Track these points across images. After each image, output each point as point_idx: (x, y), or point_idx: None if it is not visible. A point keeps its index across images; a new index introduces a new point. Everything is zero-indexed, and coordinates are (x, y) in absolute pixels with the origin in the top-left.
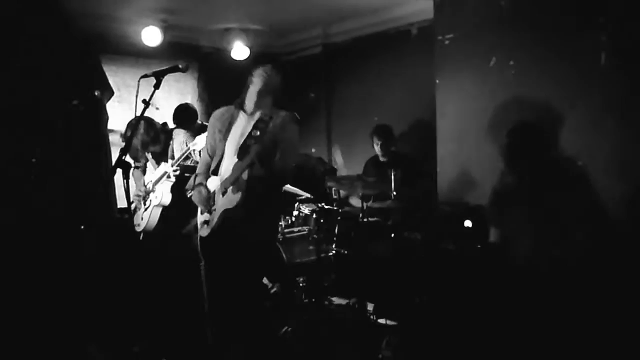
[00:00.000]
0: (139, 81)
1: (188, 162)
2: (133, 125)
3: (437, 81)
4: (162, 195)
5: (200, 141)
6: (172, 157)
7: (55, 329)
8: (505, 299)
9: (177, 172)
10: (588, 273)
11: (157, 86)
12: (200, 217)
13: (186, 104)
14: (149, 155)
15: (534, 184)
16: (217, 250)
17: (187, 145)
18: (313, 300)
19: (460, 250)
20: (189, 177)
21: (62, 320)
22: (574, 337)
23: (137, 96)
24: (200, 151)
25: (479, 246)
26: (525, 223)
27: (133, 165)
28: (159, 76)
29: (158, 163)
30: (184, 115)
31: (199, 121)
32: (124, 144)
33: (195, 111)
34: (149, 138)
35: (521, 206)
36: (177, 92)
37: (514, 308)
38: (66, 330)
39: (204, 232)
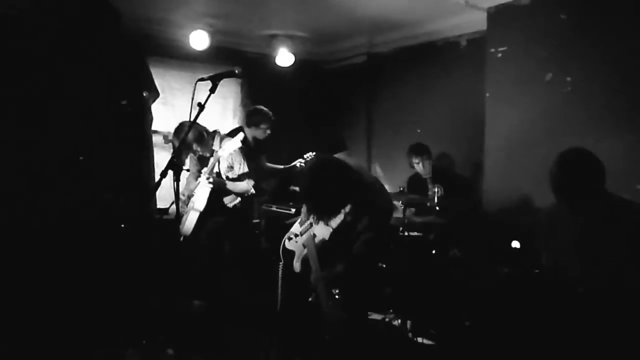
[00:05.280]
0: (195, 84)
1: (231, 174)
2: (183, 127)
3: (487, 94)
4: (198, 199)
5: (227, 146)
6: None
7: (89, 329)
8: (558, 328)
9: (210, 180)
10: None
11: (212, 90)
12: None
13: (259, 107)
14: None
15: (588, 212)
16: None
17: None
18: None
19: (515, 273)
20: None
21: (100, 320)
22: None
23: (192, 99)
24: (231, 157)
25: (536, 270)
26: (577, 249)
27: (184, 168)
28: (215, 80)
29: (203, 165)
30: (256, 118)
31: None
32: (167, 144)
33: (266, 113)
34: (193, 137)
35: (574, 232)
36: (219, 96)
37: (569, 340)
38: (102, 332)
39: (290, 244)
